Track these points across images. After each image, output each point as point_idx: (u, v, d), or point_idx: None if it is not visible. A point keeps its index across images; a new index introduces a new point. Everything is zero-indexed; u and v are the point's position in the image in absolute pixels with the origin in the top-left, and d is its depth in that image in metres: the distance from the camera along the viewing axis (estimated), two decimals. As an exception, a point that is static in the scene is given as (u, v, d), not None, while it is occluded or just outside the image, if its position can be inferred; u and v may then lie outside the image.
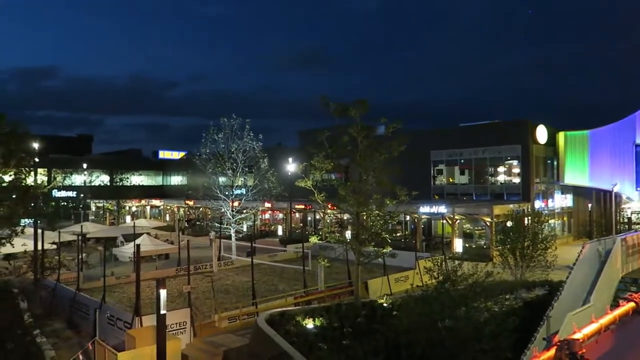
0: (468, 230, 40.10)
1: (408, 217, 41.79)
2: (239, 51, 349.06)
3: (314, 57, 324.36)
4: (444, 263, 16.69)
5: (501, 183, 44.82)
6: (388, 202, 18.88)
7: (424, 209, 38.69)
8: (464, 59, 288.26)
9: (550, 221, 36.21)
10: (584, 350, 7.81)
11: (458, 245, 37.54)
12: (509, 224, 25.80)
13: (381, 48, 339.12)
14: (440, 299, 14.01)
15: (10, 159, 16.48)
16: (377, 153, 18.69)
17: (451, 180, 48.49)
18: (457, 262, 16.70)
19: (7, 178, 16.87)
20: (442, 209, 37.76)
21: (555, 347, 7.98)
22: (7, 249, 18.37)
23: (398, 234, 42.13)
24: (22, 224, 19.37)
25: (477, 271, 15.77)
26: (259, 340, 15.90)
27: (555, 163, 46.16)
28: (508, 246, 23.47)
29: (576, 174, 45.17)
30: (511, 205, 36.51)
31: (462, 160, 47.08)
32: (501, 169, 45.01)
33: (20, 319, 18.28)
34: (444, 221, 37.59)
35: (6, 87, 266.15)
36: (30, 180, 18.78)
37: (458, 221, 38.25)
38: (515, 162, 43.61)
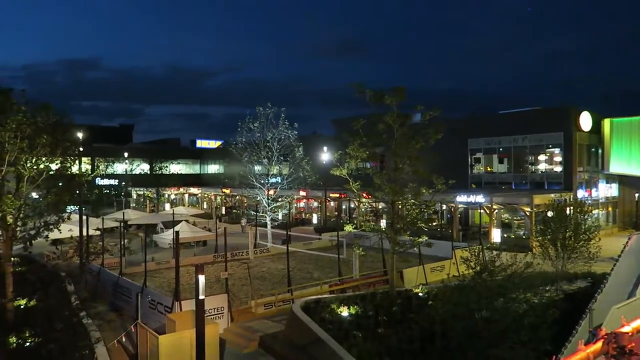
0: (506, 220, 39.20)
1: (444, 207, 41.16)
2: (276, 40, 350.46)
3: (350, 44, 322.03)
4: (481, 253, 16.38)
5: (542, 172, 43.50)
6: (424, 191, 18.62)
7: (461, 198, 38.01)
8: (505, 44, 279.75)
9: (593, 211, 34.92)
10: (633, 344, 7.49)
11: (496, 235, 36.77)
12: (549, 214, 25.02)
13: (419, 34, 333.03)
14: (477, 289, 13.78)
15: (56, 148, 17.09)
16: (413, 141, 18.40)
17: (489, 169, 47.41)
18: (495, 252, 16.34)
19: (53, 166, 17.53)
20: (480, 198, 36.99)
21: (602, 340, 7.69)
22: (55, 235, 19.18)
23: (434, 224, 41.62)
24: (68, 211, 20.17)
25: (516, 262, 15.40)
26: (294, 326, 16.10)
27: (600, 151, 44.41)
28: (549, 237, 22.80)
29: (622, 162, 43.31)
30: (552, 195, 35.38)
31: (501, 149, 45.91)
32: (542, 157, 43.66)
33: (67, 301, 19.15)
34: (482, 211, 36.84)
35: (55, 79, 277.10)
36: (75, 169, 19.45)
37: (496, 211, 37.42)
38: (557, 150, 42.21)
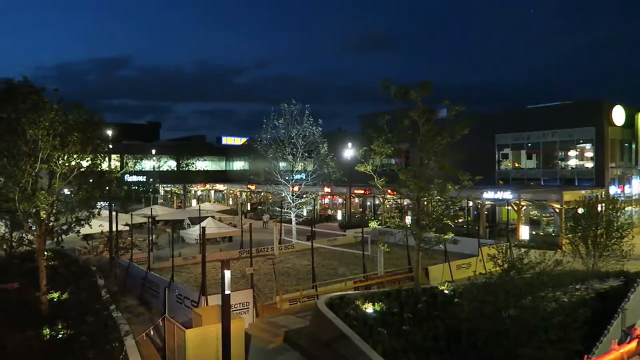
0: (535, 217, 38.42)
1: (471, 203, 40.60)
2: (303, 36, 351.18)
3: (377, 39, 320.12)
4: (509, 250, 16.09)
5: (572, 168, 42.46)
6: (450, 187, 18.38)
7: (488, 195, 37.41)
8: (536, 36, 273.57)
9: (627, 208, 33.90)
10: (669, 345, 7.28)
11: (524, 232, 36.07)
12: (580, 210, 24.38)
13: (447, 27, 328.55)
14: (505, 287, 13.54)
15: (87, 145, 17.50)
16: (439, 137, 18.18)
17: (517, 165, 46.52)
18: (523, 249, 16.03)
19: (84, 163, 17.97)
20: (508, 194, 36.34)
21: (636, 339, 7.48)
22: (86, 230, 19.64)
23: (460, 220, 41.09)
24: (98, 207, 20.66)
25: (545, 259, 15.08)
26: (319, 322, 16.15)
27: (634, 146, 43.04)
28: (579, 234, 22.23)
29: (658, 157, 41.93)
30: (583, 191, 34.51)
31: (530, 144, 44.98)
32: (572, 152, 42.60)
33: (98, 295, 19.66)
34: (509, 207, 36.20)
35: (86, 78, 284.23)
36: (105, 166, 19.90)
37: (524, 207, 36.70)
38: (588, 146, 41.11)
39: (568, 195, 34.34)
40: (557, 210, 34.37)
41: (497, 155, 46.64)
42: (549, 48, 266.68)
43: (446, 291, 18.40)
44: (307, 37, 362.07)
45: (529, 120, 44.38)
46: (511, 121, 45.51)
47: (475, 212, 41.49)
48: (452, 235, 19.08)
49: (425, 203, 19.72)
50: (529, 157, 45.87)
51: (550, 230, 36.95)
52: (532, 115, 44.73)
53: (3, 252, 23.02)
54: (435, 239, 18.88)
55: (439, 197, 18.72)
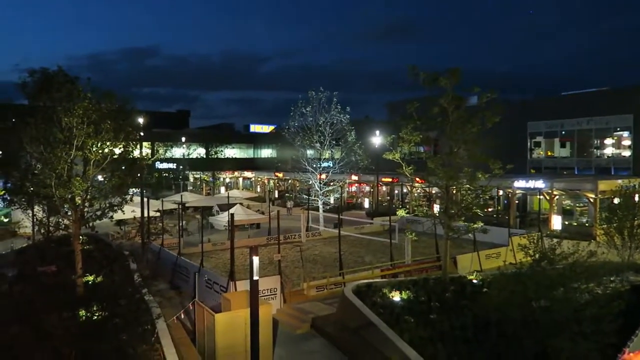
0: (568, 207, 37.46)
1: (501, 192, 39.86)
2: (329, 24, 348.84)
3: (405, 26, 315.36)
4: (540, 240, 15.76)
5: (608, 156, 41.14)
6: (480, 175, 18.06)
7: (519, 184, 36.61)
8: (567, 20, 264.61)
9: (666, 198, 32.71)
10: None
11: (556, 222, 35.24)
12: (616, 200, 23.64)
13: (474, 15, 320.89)
14: (536, 278, 13.28)
15: (119, 133, 17.85)
16: (469, 124, 17.83)
17: (550, 154, 45.37)
18: (555, 240, 15.67)
19: (117, 151, 18.34)
20: (540, 183, 35.47)
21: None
22: (119, 215, 20.12)
23: (490, 209, 40.43)
24: (130, 193, 21.11)
25: (578, 250, 14.72)
26: (346, 309, 16.22)
27: (674, 134, 41.33)
28: (615, 225, 21.57)
29: (700, 146, 40.16)
30: (619, 181, 33.36)
31: (563, 132, 43.75)
32: (608, 141, 41.24)
33: (131, 279, 20.18)
34: (541, 197, 35.35)
35: (117, 67, 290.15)
36: (136, 153, 20.30)
37: (557, 197, 35.80)
38: (625, 134, 39.74)
39: (603, 185, 33.29)
40: (592, 200, 33.40)
41: (529, 144, 45.56)
42: (583, 33, 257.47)
43: (475, 281, 18.19)
44: (333, 25, 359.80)
45: (562, 107, 43.13)
46: (544, 109, 44.31)
47: (506, 202, 40.72)
48: (482, 224, 18.79)
49: (454, 192, 19.44)
50: (563, 146, 44.64)
51: (584, 220, 35.98)
52: (566, 103, 43.44)
53: (41, 236, 23.88)
54: (464, 228, 18.63)
55: (468, 186, 18.42)
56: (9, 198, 20.48)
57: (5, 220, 41.63)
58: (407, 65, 18.33)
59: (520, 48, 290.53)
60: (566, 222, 35.62)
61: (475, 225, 18.62)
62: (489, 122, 17.76)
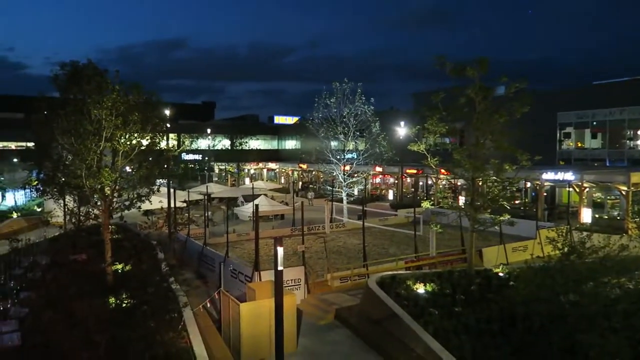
0: (599, 200, 36.53)
1: (529, 184, 39.11)
2: (356, 13, 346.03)
3: (432, 14, 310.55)
4: (569, 233, 15.42)
5: (642, 148, 39.85)
6: (507, 167, 17.73)
7: (548, 176, 35.83)
8: (602, 7, 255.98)
9: (702, 191, 31.57)
10: None
11: (586, 215, 34.40)
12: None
13: (503, 3, 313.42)
14: (565, 272, 13.02)
15: (146, 124, 18.14)
16: (496, 115, 17.48)
17: (580, 145, 44.21)
18: (584, 233, 15.32)
19: (144, 142, 18.66)
20: (569, 175, 34.64)
21: None
22: (146, 206, 20.51)
23: (517, 202, 39.74)
24: (157, 184, 21.49)
25: (609, 244, 14.35)
26: (369, 301, 16.23)
27: None
28: (648, 218, 20.97)
29: None
30: (653, 173, 32.38)
31: (594, 123, 42.52)
32: (642, 131, 39.92)
33: (158, 268, 20.58)
34: (570, 189, 34.54)
35: (144, 59, 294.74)
36: (163, 144, 20.60)
37: (587, 189, 34.92)
38: (661, 124, 38.37)
39: (636, 177, 32.30)
40: (624, 193, 32.46)
41: (558, 135, 44.47)
42: (617, 21, 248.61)
43: (501, 274, 17.95)
44: (359, 14, 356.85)
45: (594, 97, 41.89)
46: (574, 99, 43.13)
47: (534, 194, 39.96)
48: (508, 217, 18.48)
49: (481, 183, 19.16)
50: (594, 137, 43.43)
51: (615, 213, 35.05)
52: (598, 92, 42.17)
53: (72, 225, 24.54)
54: (490, 220, 18.36)
55: (495, 178, 18.11)
56: (41, 188, 21.08)
57: (38, 209, 42.97)
58: (434, 55, 18.08)
59: (551, 36, 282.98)
60: (596, 215, 34.76)
61: (502, 218, 18.33)
62: (517, 112, 17.39)
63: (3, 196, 47.71)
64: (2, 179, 49.09)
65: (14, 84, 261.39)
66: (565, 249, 14.22)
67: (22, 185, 47.16)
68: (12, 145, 66.02)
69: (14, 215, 40.29)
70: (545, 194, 38.27)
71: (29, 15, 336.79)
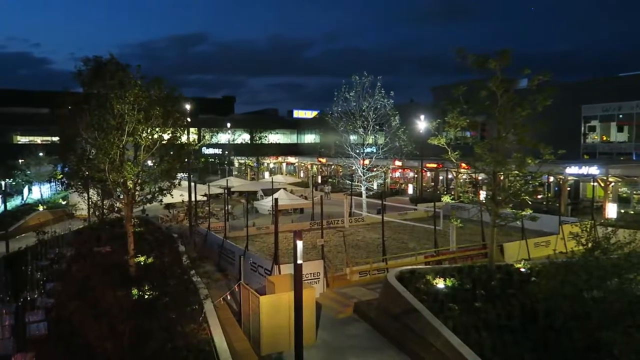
0: (624, 195, 35.70)
1: (552, 178, 38.41)
2: (374, 6, 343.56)
3: (451, 8, 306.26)
4: (593, 229, 15.11)
5: (670, 141, 38.76)
6: (530, 161, 17.44)
7: (572, 170, 35.13)
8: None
9: None
10: None
11: (611, 210, 33.64)
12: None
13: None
14: (588, 268, 12.78)
15: (168, 119, 18.34)
16: (519, 108, 17.19)
17: (605, 138, 43.20)
18: (609, 228, 14.99)
19: (165, 136, 18.88)
20: (594, 169, 33.93)
21: None
22: (167, 199, 20.78)
23: (540, 196, 39.09)
24: (178, 177, 21.73)
25: (635, 240, 14.04)
26: (388, 295, 16.20)
27: None
28: (676, 213, 20.42)
29: None
30: (682, 167, 31.49)
31: (621, 115, 41.47)
32: (671, 124, 38.81)
33: (179, 260, 20.87)
34: (595, 183, 33.83)
35: (165, 54, 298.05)
36: (184, 139, 20.81)
37: (612, 184, 34.16)
38: (690, 117, 37.22)
39: (664, 172, 31.51)
40: (651, 188, 31.68)
41: (582, 128, 43.53)
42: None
43: (522, 269, 17.73)
44: (377, 7, 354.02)
45: (620, 89, 40.82)
46: (600, 91, 42.10)
47: (557, 188, 39.25)
48: (531, 211, 18.20)
49: (502, 178, 18.89)
50: (620, 130, 42.38)
51: (642, 208, 34.24)
52: (625, 84, 41.07)
53: (96, 218, 25.02)
54: (512, 215, 18.12)
55: (517, 172, 17.84)
56: (66, 182, 21.53)
57: (63, 202, 43.93)
58: (455, 47, 17.81)
59: (576, 26, 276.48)
60: (622, 211, 33.97)
61: (524, 213, 18.06)
62: (540, 105, 17.08)
63: (29, 189, 48.88)
64: (29, 172, 50.28)
65: (40, 79, 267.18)
66: (590, 245, 13.95)
67: (48, 178, 48.43)
68: (38, 139, 67.49)
69: (40, 208, 41.26)
70: (568, 188, 37.56)
71: (54, 12, 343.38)
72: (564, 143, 20.62)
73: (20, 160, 52.47)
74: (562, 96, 22.69)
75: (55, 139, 27.06)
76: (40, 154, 51.04)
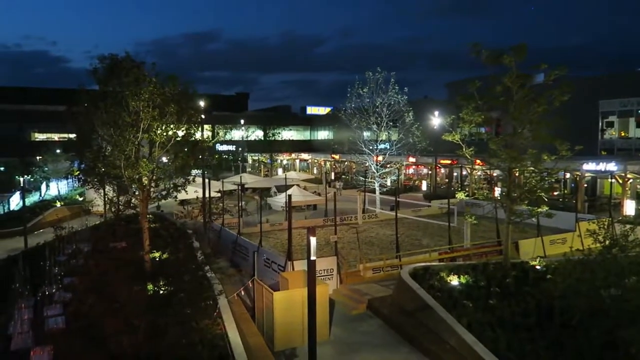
0: (643, 191, 35.09)
1: (568, 175, 37.89)
2: (387, 2, 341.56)
3: (465, 2, 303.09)
4: (611, 226, 14.89)
5: (691, 137, 37.98)
6: (546, 157, 17.21)
7: (589, 166, 34.63)
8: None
9: None
10: None
11: (629, 207, 33.13)
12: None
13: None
14: (606, 266, 12.61)
15: (182, 116, 18.47)
16: (534, 104, 16.96)
17: (624, 134, 42.47)
18: (628, 225, 14.74)
19: (180, 133, 19.03)
20: (612, 166, 33.38)
21: None
22: (182, 195, 20.95)
23: (556, 193, 38.60)
24: (192, 174, 21.89)
25: (654, 237, 13.80)
26: (402, 292, 16.16)
27: None
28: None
29: None
30: (703, 163, 30.85)
31: (640, 111, 40.74)
32: (692, 120, 38.01)
33: (194, 256, 21.06)
34: (613, 180, 33.29)
35: (179, 52, 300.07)
36: (198, 135, 20.93)
37: (631, 180, 33.59)
38: None
39: (684, 168, 30.89)
40: (670, 184, 31.10)
41: (600, 124, 42.84)
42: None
43: (538, 267, 17.55)
44: (390, 3, 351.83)
45: (639, 84, 40.07)
46: (618, 85, 41.37)
47: (573, 185, 38.72)
48: (546, 208, 17.99)
49: (517, 174, 18.68)
50: (639, 125, 41.64)
51: (661, 205, 33.62)
52: (644, 79, 40.33)
53: (112, 214, 25.33)
54: (527, 212, 17.92)
55: (532, 168, 17.63)
56: (83, 178, 21.80)
57: (80, 199, 44.56)
58: (469, 43, 17.62)
59: (592, 20, 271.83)
60: (640, 208, 33.44)
61: (540, 210, 17.85)
62: (556, 101, 16.83)
63: (47, 186, 49.66)
64: (46, 169, 51.08)
65: (57, 77, 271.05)
66: (607, 242, 13.75)
67: (65, 175, 49.17)
68: (55, 136, 68.54)
69: (58, 204, 41.91)
70: (585, 185, 37.04)
71: (70, 10, 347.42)
72: (581, 139, 20.24)
73: (38, 157, 53.35)
74: (579, 92, 22.33)
75: (72, 136, 27.39)
76: (58, 150, 51.84)
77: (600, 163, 34.22)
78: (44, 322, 13.21)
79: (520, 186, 18.22)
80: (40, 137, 70.18)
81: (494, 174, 40.04)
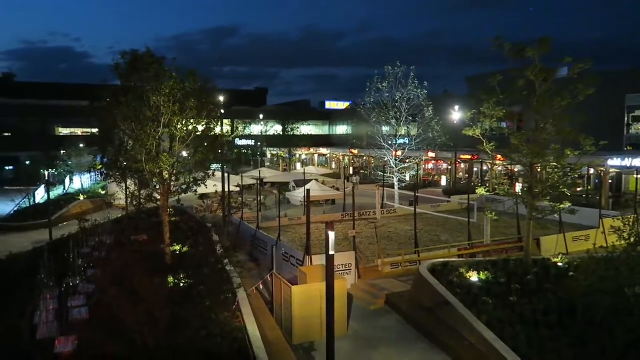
0: (671, 188, 34.16)
1: (592, 171, 37.13)
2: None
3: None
4: (637, 223, 14.54)
5: None
6: (569, 152, 16.87)
7: (614, 162, 33.87)
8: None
9: None
10: None
11: (656, 204, 32.31)
12: None
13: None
14: (631, 263, 12.33)
15: (202, 111, 18.62)
16: (558, 98, 16.62)
17: (651, 129, 41.38)
18: (654, 223, 14.39)
19: (200, 128, 19.19)
20: (638, 162, 32.61)
21: None
22: (201, 190, 21.16)
23: (579, 189, 37.89)
24: (212, 168, 22.07)
25: (682, 234, 13.44)
26: (421, 288, 16.08)
27: None
28: None
29: None
30: None
31: (668, 105, 39.61)
32: None
33: (213, 250, 21.27)
34: (639, 176, 32.49)
35: (199, 47, 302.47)
36: (217, 130, 21.08)
37: (658, 176, 32.74)
38: None
39: None
40: (699, 181, 30.23)
41: (626, 118, 41.80)
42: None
43: (560, 264, 17.26)
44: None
45: (668, 77, 38.96)
46: (645, 79, 40.26)
47: (597, 181, 37.93)
48: (569, 204, 17.65)
49: (540, 170, 18.37)
50: (667, 120, 40.54)
51: (689, 202, 32.70)
52: (673, 72, 39.16)
53: (133, 207, 25.72)
54: (549, 208, 17.61)
55: (555, 164, 17.31)
56: (105, 172, 22.16)
57: (103, 192, 45.36)
58: (490, 36, 17.33)
59: (617, 13, 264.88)
60: (668, 204, 32.58)
61: (562, 206, 17.54)
62: (581, 95, 16.46)
63: (71, 179, 50.64)
64: (70, 163, 52.07)
65: (80, 72, 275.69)
66: (632, 239, 13.44)
67: (88, 169, 50.08)
68: (79, 131, 69.74)
69: (81, 197, 42.71)
70: (610, 181, 36.26)
71: (94, 7, 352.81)
72: (605, 134, 19.84)
73: (62, 152, 54.41)
74: (604, 85, 21.81)
75: (95, 130, 27.85)
76: (81, 145, 52.74)
77: (626, 159, 33.44)
78: (68, 312, 13.50)
79: (542, 182, 17.92)
80: (64, 131, 71.49)
81: (515, 170, 39.55)
